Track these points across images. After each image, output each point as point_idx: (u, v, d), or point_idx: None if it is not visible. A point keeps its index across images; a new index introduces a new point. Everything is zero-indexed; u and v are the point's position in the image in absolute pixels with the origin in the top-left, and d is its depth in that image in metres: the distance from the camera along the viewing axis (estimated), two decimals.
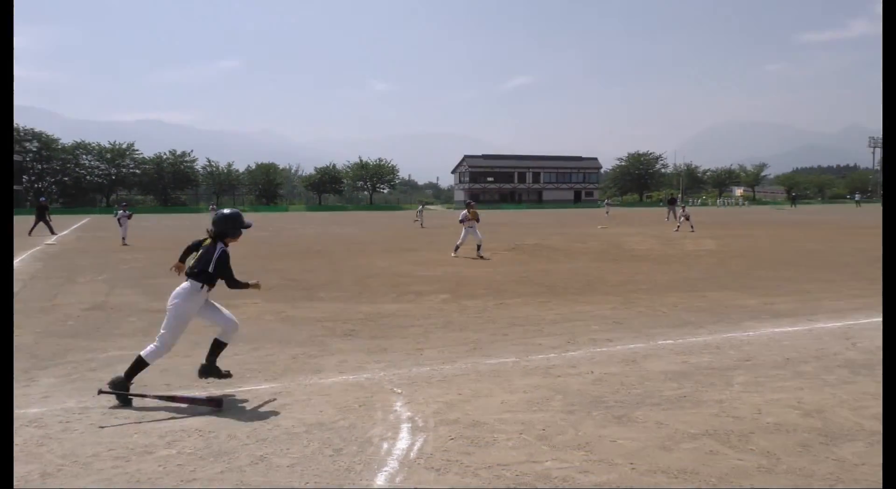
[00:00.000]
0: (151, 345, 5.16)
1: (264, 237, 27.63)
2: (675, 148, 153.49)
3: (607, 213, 53.61)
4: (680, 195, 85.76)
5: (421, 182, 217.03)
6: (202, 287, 5.24)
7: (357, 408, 4.97)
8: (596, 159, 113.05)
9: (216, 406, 5.01)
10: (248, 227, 5.38)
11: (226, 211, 5.31)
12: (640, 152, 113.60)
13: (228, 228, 5.29)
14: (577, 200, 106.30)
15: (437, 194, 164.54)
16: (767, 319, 8.34)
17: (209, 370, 5.46)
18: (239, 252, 19.37)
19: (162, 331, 5.15)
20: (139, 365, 5.15)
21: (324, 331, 7.85)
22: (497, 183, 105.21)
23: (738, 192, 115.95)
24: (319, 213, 74.73)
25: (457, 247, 17.28)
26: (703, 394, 5.25)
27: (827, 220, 37.92)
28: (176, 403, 5.05)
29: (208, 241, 5.32)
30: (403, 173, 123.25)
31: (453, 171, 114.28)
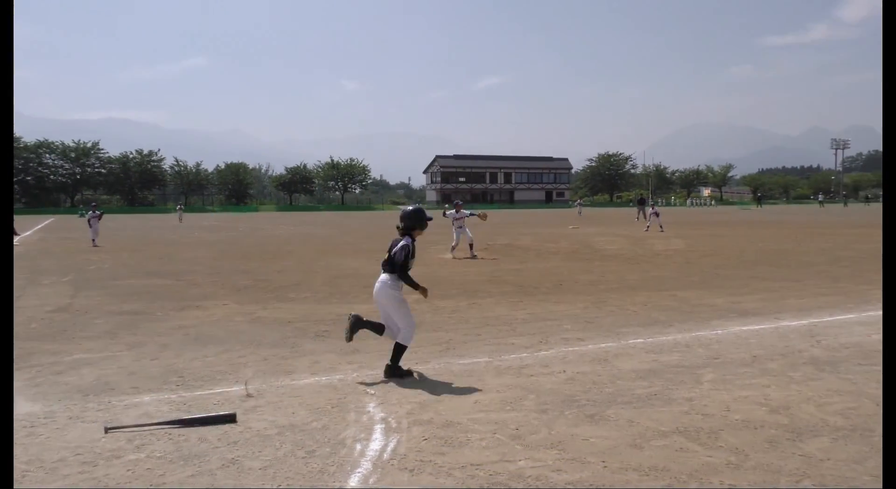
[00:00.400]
0: (402, 333, 5.76)
1: (234, 238, 27.32)
2: (644, 149, 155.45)
3: (580, 213, 54.13)
4: (649, 195, 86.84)
5: (393, 182, 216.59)
6: (395, 276, 5.77)
7: (330, 410, 4.94)
8: (566, 160, 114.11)
9: (231, 420, 4.68)
10: (430, 219, 6.01)
11: (409, 207, 5.97)
12: (610, 153, 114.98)
13: (415, 222, 5.89)
14: (549, 201, 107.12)
15: (408, 194, 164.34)
16: (735, 318, 8.48)
17: (393, 371, 5.78)
18: (208, 253, 19.13)
19: (401, 324, 5.77)
20: (400, 349, 5.75)
21: (295, 332, 7.78)
22: (469, 183, 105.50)
23: (706, 192, 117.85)
24: (290, 214, 74.19)
25: (452, 248, 17.28)
26: (673, 392, 5.33)
27: (792, 221, 38.76)
28: (189, 427, 4.59)
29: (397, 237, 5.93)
30: (375, 173, 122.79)
31: (425, 171, 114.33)
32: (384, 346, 6.98)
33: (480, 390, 5.40)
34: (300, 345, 7.12)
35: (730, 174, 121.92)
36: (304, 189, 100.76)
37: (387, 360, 5.96)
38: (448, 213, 17.52)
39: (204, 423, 4.63)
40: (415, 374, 5.85)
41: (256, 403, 5.11)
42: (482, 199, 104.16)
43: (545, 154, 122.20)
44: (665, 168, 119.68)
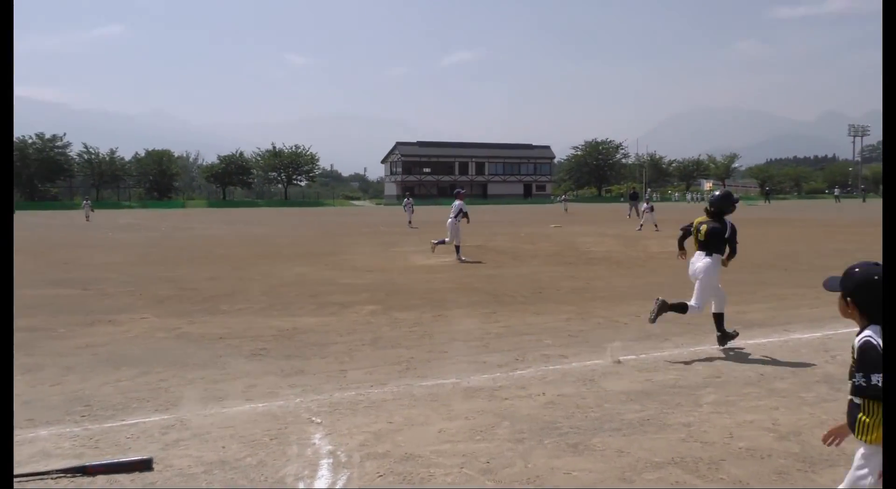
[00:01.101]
0: (719, 303, 7.68)
1: (156, 239, 26.91)
2: (638, 136, 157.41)
3: (565, 209, 54.60)
4: (646, 189, 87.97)
5: (346, 173, 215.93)
6: (717, 257, 7.61)
7: (268, 443, 4.88)
8: (548, 148, 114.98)
9: (146, 468, 4.49)
10: (738, 200, 7.75)
11: (717, 193, 7.93)
12: (599, 140, 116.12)
13: (726, 206, 7.72)
14: (528, 195, 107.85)
15: (364, 187, 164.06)
16: (740, 330, 8.61)
17: (724, 337, 7.60)
18: (123, 258, 18.82)
19: (700, 294, 7.56)
20: (721, 317, 7.65)
21: (228, 350, 7.69)
22: (434, 175, 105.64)
23: (707, 185, 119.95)
24: (224, 210, 73.38)
25: (457, 249, 17.33)
26: (668, 416, 5.39)
27: (804, 218, 39.65)
28: (94, 475, 4.38)
29: (703, 220, 7.71)
30: (325, 163, 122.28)
31: (384, 161, 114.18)
32: (330, 368, 6.94)
33: (446, 417, 5.39)
34: (233, 365, 7.04)
35: (734, 165, 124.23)
36: (240, 181, 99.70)
37: (329, 382, 5.91)
38: (457, 203, 17.59)
39: (114, 471, 4.43)
40: (736, 331, 7.75)
41: (179, 436, 5.02)
42: (450, 193, 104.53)
43: (524, 141, 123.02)
44: (661, 158, 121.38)
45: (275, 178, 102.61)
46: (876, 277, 2.90)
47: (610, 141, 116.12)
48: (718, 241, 7.59)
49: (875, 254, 14.96)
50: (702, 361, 7.08)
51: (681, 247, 8.19)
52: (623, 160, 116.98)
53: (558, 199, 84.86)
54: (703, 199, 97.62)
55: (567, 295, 11.64)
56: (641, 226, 29.63)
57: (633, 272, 14.71)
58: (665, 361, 7.07)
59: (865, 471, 2.87)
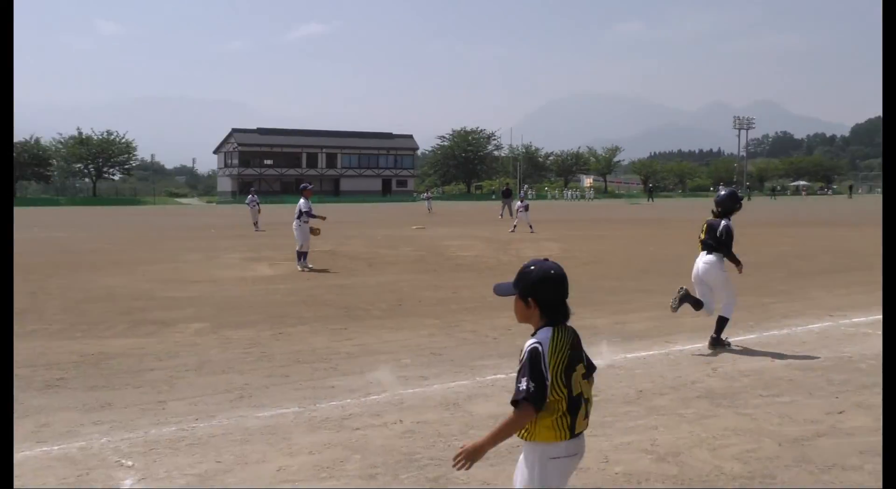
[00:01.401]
0: (727, 307, 8.73)
1: None
2: (511, 125, 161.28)
3: (430, 208, 55.13)
4: (521, 185, 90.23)
5: (170, 166, 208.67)
6: (720, 255, 8.77)
7: None
8: (411, 137, 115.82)
9: None
10: (742, 198, 9.34)
11: (722, 192, 9.34)
12: (468, 129, 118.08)
13: (732, 205, 8.97)
14: (387, 192, 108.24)
15: (192, 183, 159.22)
16: (619, 343, 9.02)
17: (717, 342, 8.61)
18: None
19: (727, 298, 8.77)
20: (723, 322, 8.66)
21: (15, 382, 7.26)
22: (278, 167, 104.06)
23: (588, 181, 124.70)
24: (14, 210, 69.18)
25: (302, 255, 17.16)
26: None
27: (689, 218, 41.95)
28: None
29: (712, 217, 8.92)
30: (144, 153, 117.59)
31: (216, 151, 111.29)
32: (145, 399, 6.72)
33: (286, 452, 5.33)
34: (22, 400, 6.66)
35: (616, 159, 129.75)
36: (35, 174, 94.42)
37: (144, 416, 5.73)
38: (301, 202, 17.50)
39: None
40: (733, 345, 8.72)
41: None
42: (296, 190, 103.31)
43: (383, 130, 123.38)
44: (537, 150, 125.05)
45: (80, 171, 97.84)
46: (552, 272, 3.34)
47: (481, 130, 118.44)
48: (715, 239, 8.81)
49: (762, 257, 15.96)
50: None
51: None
52: (495, 152, 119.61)
53: (422, 196, 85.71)
54: (583, 197, 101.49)
55: (430, 307, 11.77)
56: (515, 227, 30.39)
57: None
58: None
59: (523, 466, 3.37)
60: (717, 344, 8.61)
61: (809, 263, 17.84)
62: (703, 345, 8.79)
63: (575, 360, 3.32)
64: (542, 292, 3.32)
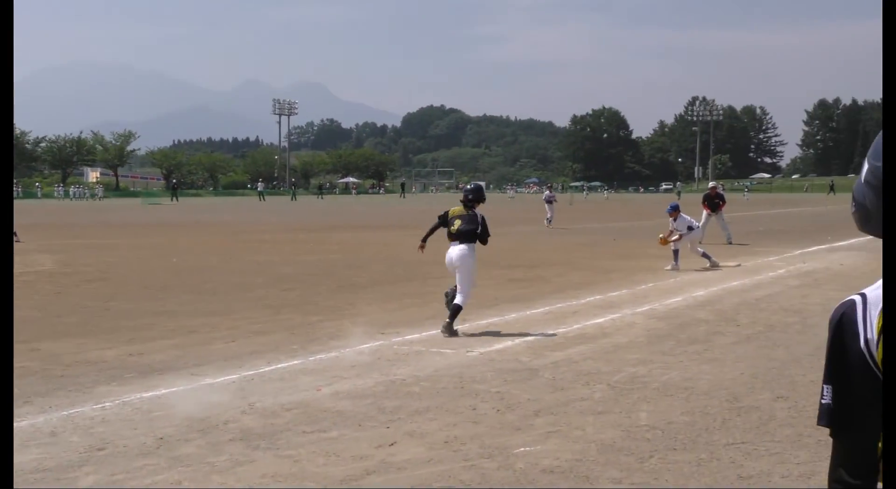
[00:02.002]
0: (460, 297, 11.27)
1: None
2: None
3: None
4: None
5: None
6: (473, 246, 11.46)
7: None
8: None
9: None
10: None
11: (470, 186, 12.77)
12: None
13: (482, 196, 11.93)
14: None
15: None
16: (136, 379, 8.82)
17: (450, 329, 11.09)
18: None
19: (462, 286, 11.33)
20: (457, 310, 11.22)
21: None
22: None
23: (93, 175, 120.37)
24: None
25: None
26: None
27: (220, 221, 42.56)
28: None
29: (458, 210, 11.72)
30: None
31: None
32: None
33: None
34: None
35: (131, 147, 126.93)
36: None
37: None
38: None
39: None
40: (459, 333, 11.18)
41: None
42: None
43: None
44: (24, 134, 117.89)
45: None
46: None
47: None
48: (473, 233, 11.43)
49: (304, 267, 16.74)
50: (77, 429, 7.04)
51: (425, 239, 12.28)
52: None
53: None
54: (93, 196, 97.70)
55: None
56: None
57: None
58: (28, 433, 6.84)
59: None
60: (452, 333, 11.06)
61: (360, 273, 19.04)
62: (238, 375, 8.94)
63: None
64: None
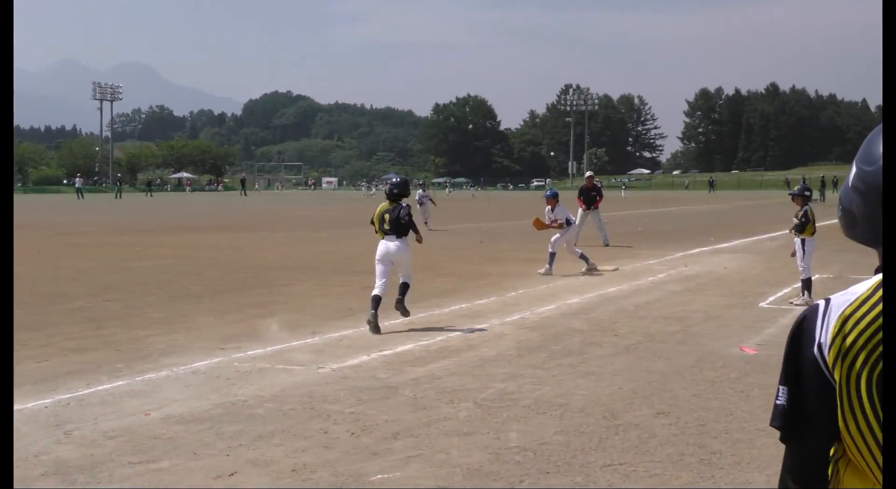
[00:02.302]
0: (406, 279, 13.18)
1: None
2: None
3: None
4: None
5: None
6: (406, 239, 13.30)
7: None
8: None
9: None
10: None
11: (396, 179, 14.29)
12: None
13: (407, 190, 13.74)
14: None
15: None
16: None
17: (403, 305, 12.96)
18: None
19: (408, 272, 13.23)
20: (406, 287, 13.13)
21: None
22: None
23: None
24: None
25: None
26: None
27: (32, 223, 41.20)
28: None
29: (387, 205, 13.24)
30: None
31: None
32: None
33: None
34: None
35: None
36: None
37: None
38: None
39: None
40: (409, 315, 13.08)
41: None
42: None
43: None
44: None
45: None
46: None
47: None
48: (406, 225, 13.02)
49: (133, 275, 16.38)
50: None
51: (380, 229, 13.47)
52: None
53: None
54: None
55: None
56: None
57: None
58: None
59: None
60: (404, 307, 12.89)
61: (196, 281, 18.74)
62: (52, 400, 8.65)
63: None
64: None
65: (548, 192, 20.80)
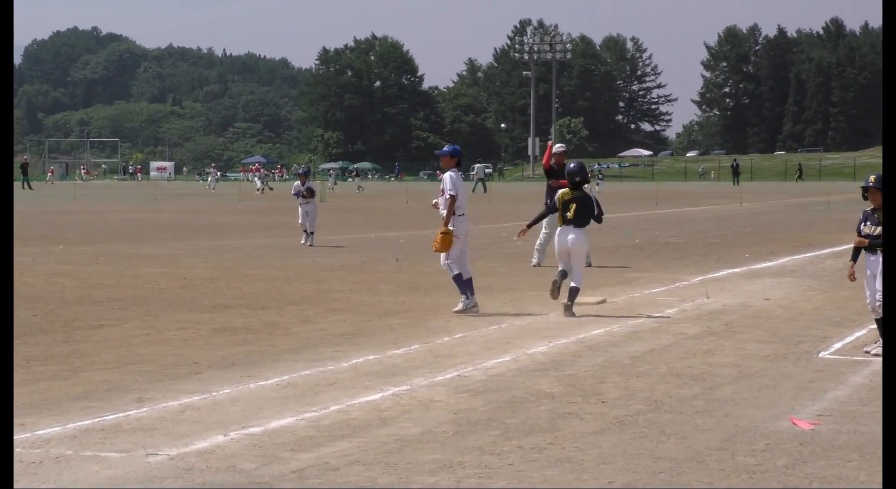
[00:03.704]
0: (578, 277, 19.76)
1: None
2: None
3: None
4: None
5: None
6: (585, 230, 21.19)
7: None
8: None
9: None
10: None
11: (573, 164, 21.28)
12: None
13: (586, 176, 21.38)
14: None
15: None
16: None
17: (571, 309, 19.63)
18: None
19: (578, 267, 19.88)
20: (576, 292, 19.62)
21: None
22: None
23: None
24: None
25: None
26: None
27: None
28: None
29: (568, 193, 19.77)
30: None
31: None
32: None
33: None
34: None
35: None
36: None
37: None
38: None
39: None
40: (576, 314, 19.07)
41: None
42: None
43: None
44: None
45: None
46: None
47: None
48: (588, 215, 18.07)
49: None
50: None
51: (531, 224, 20.07)
52: None
53: None
54: None
55: None
56: None
57: None
58: None
59: None
60: (572, 310, 18.73)
61: None
62: None
63: None
64: None
65: (445, 149, 20.71)
